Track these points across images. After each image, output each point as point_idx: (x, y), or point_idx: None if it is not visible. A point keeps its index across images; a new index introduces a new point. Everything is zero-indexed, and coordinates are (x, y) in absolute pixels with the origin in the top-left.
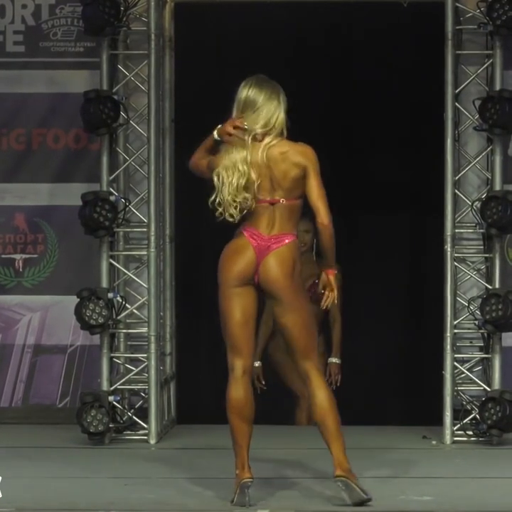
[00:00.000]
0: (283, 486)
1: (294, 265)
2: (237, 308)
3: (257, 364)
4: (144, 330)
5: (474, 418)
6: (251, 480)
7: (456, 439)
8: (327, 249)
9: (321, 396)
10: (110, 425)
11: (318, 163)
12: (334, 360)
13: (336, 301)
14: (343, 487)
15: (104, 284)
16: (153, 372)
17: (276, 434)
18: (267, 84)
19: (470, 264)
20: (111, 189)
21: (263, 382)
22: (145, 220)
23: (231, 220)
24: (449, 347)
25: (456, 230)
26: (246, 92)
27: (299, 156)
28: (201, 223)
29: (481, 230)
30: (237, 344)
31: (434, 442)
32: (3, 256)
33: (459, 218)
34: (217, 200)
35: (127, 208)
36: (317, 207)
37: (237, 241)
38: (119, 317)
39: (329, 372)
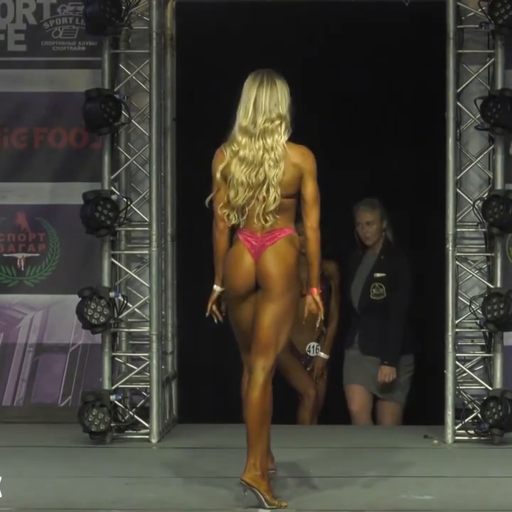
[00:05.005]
0: (284, 484)
1: (290, 259)
2: (246, 315)
3: None
4: (146, 329)
5: (476, 417)
6: (241, 482)
7: (457, 438)
8: (313, 256)
9: (253, 397)
10: (112, 424)
11: (315, 166)
12: (322, 354)
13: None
14: (246, 492)
15: (106, 283)
16: (154, 371)
17: (278, 432)
18: (278, 79)
19: (471, 263)
20: (112, 188)
21: None
22: (146, 219)
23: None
24: (450, 346)
25: (458, 229)
26: (255, 91)
27: (298, 157)
28: (203, 222)
29: (483, 229)
30: (247, 345)
31: (435, 441)
32: (4, 255)
33: (460, 217)
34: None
35: (129, 207)
36: (310, 209)
37: (235, 249)
38: (120, 316)
39: (313, 366)
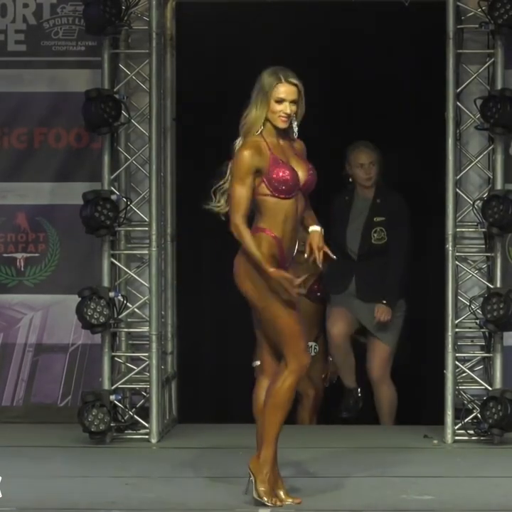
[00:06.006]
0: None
1: (244, 264)
2: None
3: (258, 363)
4: (145, 329)
5: (475, 417)
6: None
7: (457, 438)
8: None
9: (268, 393)
10: (111, 424)
11: (235, 167)
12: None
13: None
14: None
15: (106, 283)
16: (154, 371)
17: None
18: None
19: (471, 263)
20: (112, 188)
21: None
22: (146, 219)
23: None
24: (450, 346)
25: (458, 229)
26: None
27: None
28: (202, 222)
29: (483, 229)
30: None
31: (435, 441)
32: (4, 255)
33: (460, 217)
34: None
35: (128, 207)
36: None
37: None
38: (120, 316)
39: (327, 373)
